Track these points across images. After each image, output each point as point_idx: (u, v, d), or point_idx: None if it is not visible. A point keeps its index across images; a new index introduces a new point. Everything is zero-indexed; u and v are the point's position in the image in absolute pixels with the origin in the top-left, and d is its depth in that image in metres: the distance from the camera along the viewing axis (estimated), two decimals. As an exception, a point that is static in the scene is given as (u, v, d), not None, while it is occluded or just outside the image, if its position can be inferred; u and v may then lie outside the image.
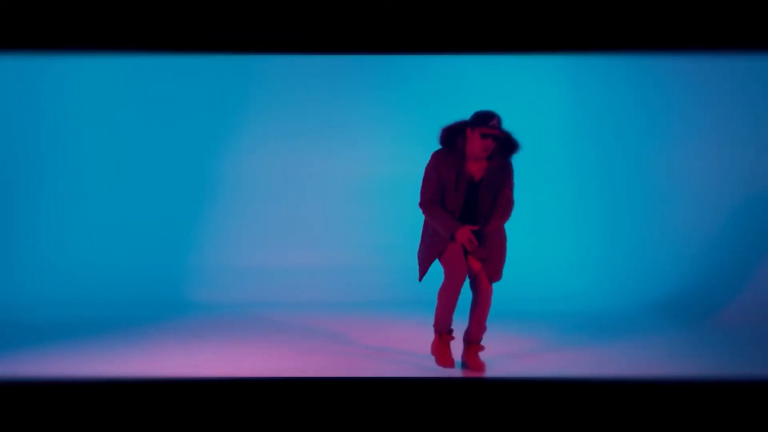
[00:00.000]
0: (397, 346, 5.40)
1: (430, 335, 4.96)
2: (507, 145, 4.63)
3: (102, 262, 7.48)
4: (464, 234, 4.51)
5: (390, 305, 6.99)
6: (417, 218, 7.34)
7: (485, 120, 4.51)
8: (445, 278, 4.64)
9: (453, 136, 4.60)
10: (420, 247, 4.82)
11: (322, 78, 8.03)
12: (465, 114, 7.55)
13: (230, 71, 7.84)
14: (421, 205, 4.67)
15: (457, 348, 4.87)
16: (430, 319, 4.85)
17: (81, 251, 7.52)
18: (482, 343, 4.77)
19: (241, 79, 7.94)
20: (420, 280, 4.81)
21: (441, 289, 4.67)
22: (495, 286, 4.74)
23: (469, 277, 4.71)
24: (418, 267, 4.78)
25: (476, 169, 4.60)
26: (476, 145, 4.54)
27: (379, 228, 7.92)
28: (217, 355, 5.05)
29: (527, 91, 8.05)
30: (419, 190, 4.69)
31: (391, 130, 8.15)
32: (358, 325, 6.16)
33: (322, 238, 7.95)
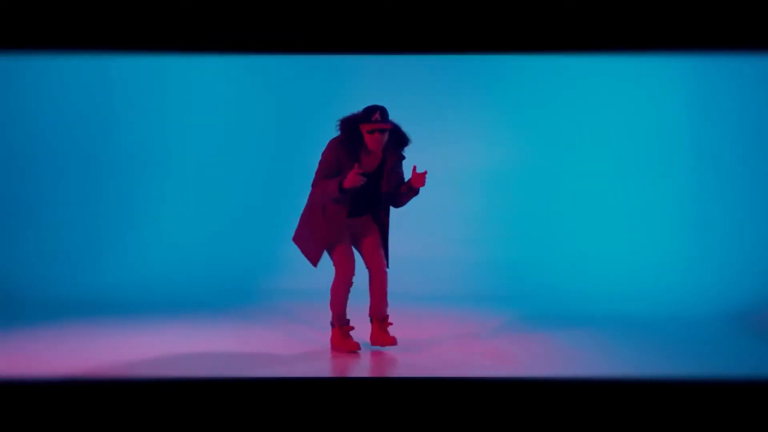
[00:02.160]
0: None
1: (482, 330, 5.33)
2: (398, 138, 4.87)
3: (204, 251, 7.79)
4: (351, 177, 4.61)
5: (466, 300, 7.00)
6: (500, 212, 7.76)
7: (369, 115, 4.72)
8: (336, 275, 4.93)
9: (350, 126, 4.77)
10: (302, 234, 5.02)
11: (413, 75, 8.11)
12: (563, 114, 7.91)
13: (322, 71, 8.06)
14: (314, 184, 4.83)
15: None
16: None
17: (183, 240, 7.86)
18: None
19: (327, 77, 8.11)
20: (315, 266, 5.04)
21: (333, 285, 4.96)
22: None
23: (364, 261, 5.02)
24: (304, 254, 5.02)
25: (371, 161, 4.82)
26: (367, 140, 4.74)
27: (462, 221, 7.97)
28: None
29: (635, 91, 7.91)
30: (316, 173, 4.83)
31: (482, 126, 8.16)
32: (431, 319, 6.23)
33: (407, 230, 7.75)
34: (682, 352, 5.33)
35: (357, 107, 7.74)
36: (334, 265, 4.99)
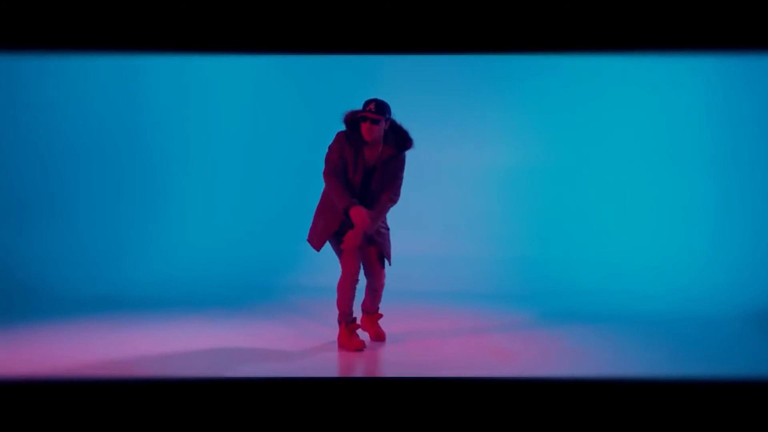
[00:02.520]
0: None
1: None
2: (401, 138, 5.01)
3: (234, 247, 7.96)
4: (358, 213, 4.82)
5: (482, 298, 7.02)
6: (519, 211, 7.85)
7: (364, 106, 4.90)
8: (342, 272, 5.02)
9: (353, 120, 4.94)
10: (316, 218, 5.13)
11: (436, 75, 8.21)
12: (583, 114, 7.92)
13: (347, 71, 8.15)
14: (325, 174, 4.96)
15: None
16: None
17: (203, 237, 8.05)
18: None
19: (351, 77, 8.20)
20: (318, 250, 5.15)
21: (339, 283, 5.06)
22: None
23: (363, 264, 5.13)
24: (313, 238, 5.12)
25: (371, 154, 4.97)
26: (362, 129, 4.89)
27: (496, 219, 8.02)
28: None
29: (655, 91, 7.91)
30: (324, 160, 4.97)
31: (502, 126, 8.22)
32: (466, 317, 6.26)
33: (439, 228, 8.06)
34: (700, 351, 5.28)
35: (391, 106, 7.97)
36: (340, 263, 5.09)
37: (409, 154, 5.12)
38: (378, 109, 4.86)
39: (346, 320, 5.14)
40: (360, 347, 5.07)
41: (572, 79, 8.03)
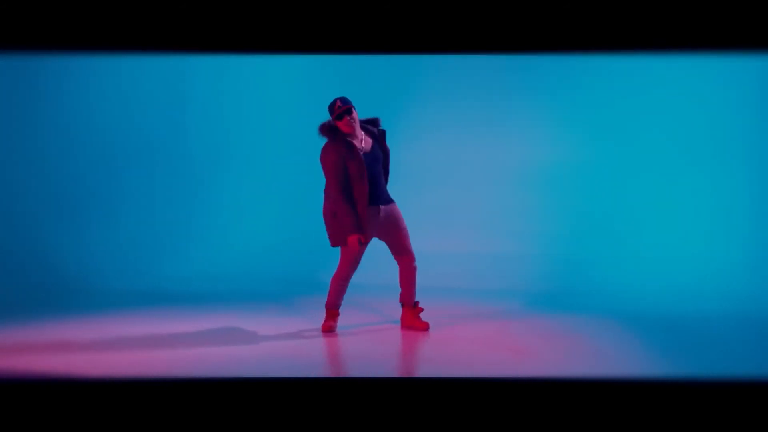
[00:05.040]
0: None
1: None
2: (370, 121, 5.57)
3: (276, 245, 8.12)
4: (353, 243, 5.34)
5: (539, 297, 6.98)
6: (557, 209, 7.85)
7: (331, 110, 5.37)
8: (340, 266, 5.53)
9: (329, 129, 5.40)
10: (329, 220, 5.46)
11: (477, 76, 8.22)
12: (623, 113, 7.89)
13: (381, 71, 8.28)
14: (334, 195, 5.37)
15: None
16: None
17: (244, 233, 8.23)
18: None
19: (386, 77, 8.32)
20: (332, 246, 5.50)
21: (335, 275, 5.58)
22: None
23: (392, 254, 5.64)
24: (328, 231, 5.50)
25: (363, 144, 5.44)
26: (341, 127, 5.37)
27: (536, 216, 7.99)
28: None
29: (697, 91, 7.81)
30: (329, 179, 5.35)
31: (543, 125, 8.19)
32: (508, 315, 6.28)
33: (462, 226, 8.07)
34: (730, 352, 5.17)
35: (418, 107, 8.33)
36: (341, 257, 5.52)
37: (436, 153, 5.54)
38: (344, 101, 5.35)
39: (330, 308, 5.68)
40: (329, 330, 5.61)
41: (616, 79, 7.95)
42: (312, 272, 7.58)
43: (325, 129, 5.40)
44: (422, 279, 5.80)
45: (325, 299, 5.70)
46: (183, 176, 8.39)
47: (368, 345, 5.27)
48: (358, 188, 5.32)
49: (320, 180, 8.41)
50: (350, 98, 7.86)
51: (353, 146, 5.34)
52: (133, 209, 8.08)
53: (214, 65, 8.32)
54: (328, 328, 5.61)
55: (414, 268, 5.62)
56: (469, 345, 5.26)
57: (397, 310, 6.02)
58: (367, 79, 8.23)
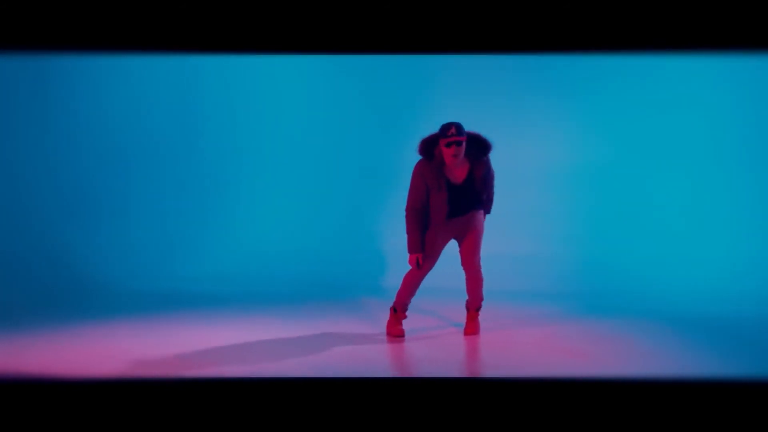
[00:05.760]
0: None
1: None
2: (479, 144, 5.23)
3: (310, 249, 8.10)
4: (412, 261, 5.29)
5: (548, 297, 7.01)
6: (591, 211, 7.79)
7: (444, 132, 5.10)
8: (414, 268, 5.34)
9: (429, 147, 5.18)
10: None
11: (510, 77, 8.25)
12: (650, 115, 7.91)
13: (422, 71, 8.26)
14: (407, 210, 5.28)
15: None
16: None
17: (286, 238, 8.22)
18: None
19: (427, 77, 8.30)
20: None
21: (408, 274, 5.42)
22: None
23: (461, 261, 5.46)
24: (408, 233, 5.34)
25: (458, 173, 5.22)
26: (444, 153, 5.12)
27: (564, 218, 8.03)
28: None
29: (719, 91, 7.87)
30: (408, 194, 5.26)
31: (573, 127, 8.24)
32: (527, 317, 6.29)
33: (507, 228, 7.84)
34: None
35: (453, 107, 7.96)
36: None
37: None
38: (459, 131, 5.07)
39: (398, 308, 5.52)
40: (398, 335, 5.47)
41: (642, 80, 7.99)
42: (324, 274, 7.62)
43: (424, 147, 5.19)
44: (452, 282, 5.91)
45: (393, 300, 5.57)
46: (195, 176, 8.35)
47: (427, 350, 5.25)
48: (434, 219, 5.25)
49: (330, 180, 8.45)
50: (366, 99, 7.91)
51: (443, 179, 5.17)
52: (146, 210, 8.03)
53: (226, 65, 8.24)
54: (397, 333, 5.47)
55: (479, 279, 5.52)
56: (520, 346, 5.30)
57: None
58: (384, 79, 8.24)
